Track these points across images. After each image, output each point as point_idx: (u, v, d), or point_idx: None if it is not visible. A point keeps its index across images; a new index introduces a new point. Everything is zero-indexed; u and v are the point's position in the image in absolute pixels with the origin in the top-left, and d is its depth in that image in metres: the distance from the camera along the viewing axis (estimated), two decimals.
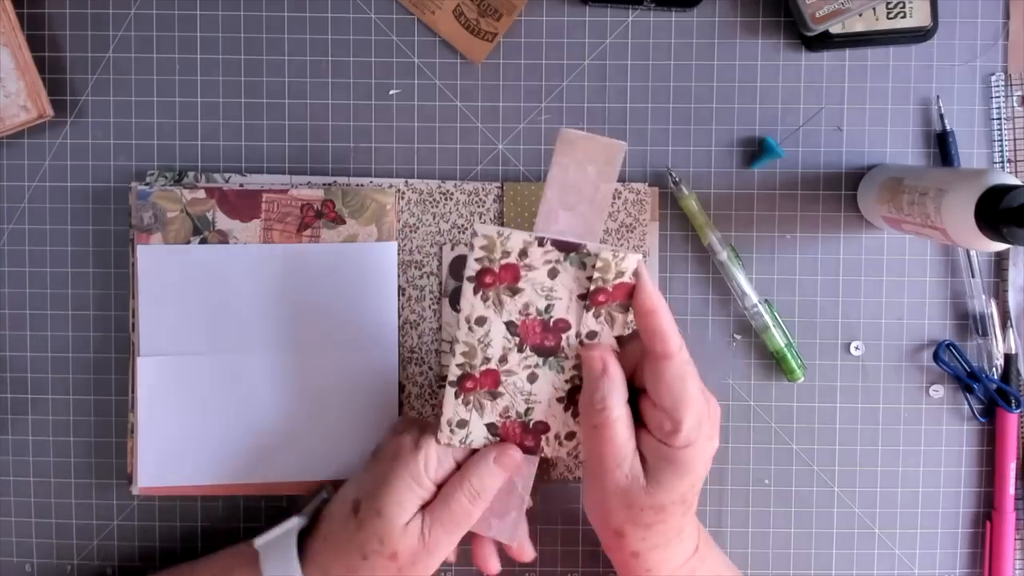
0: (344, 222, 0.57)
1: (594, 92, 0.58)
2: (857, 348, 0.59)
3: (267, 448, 0.57)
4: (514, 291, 0.46)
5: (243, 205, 0.57)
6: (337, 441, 0.57)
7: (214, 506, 0.59)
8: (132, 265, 0.57)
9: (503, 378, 0.47)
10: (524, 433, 0.48)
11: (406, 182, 0.58)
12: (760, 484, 0.59)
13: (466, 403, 0.47)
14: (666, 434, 0.44)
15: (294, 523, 0.51)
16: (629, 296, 0.45)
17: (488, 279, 0.46)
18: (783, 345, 0.58)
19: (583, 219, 0.45)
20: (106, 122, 0.58)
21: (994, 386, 0.58)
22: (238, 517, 0.59)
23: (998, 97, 0.58)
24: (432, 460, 0.48)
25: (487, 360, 0.47)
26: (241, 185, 0.58)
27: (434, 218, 0.58)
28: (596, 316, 0.46)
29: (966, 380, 0.58)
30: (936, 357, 0.58)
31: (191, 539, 0.59)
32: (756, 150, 0.58)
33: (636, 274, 0.45)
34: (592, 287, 0.45)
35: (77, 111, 0.58)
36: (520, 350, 0.47)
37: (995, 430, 0.58)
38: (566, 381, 0.47)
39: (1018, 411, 0.58)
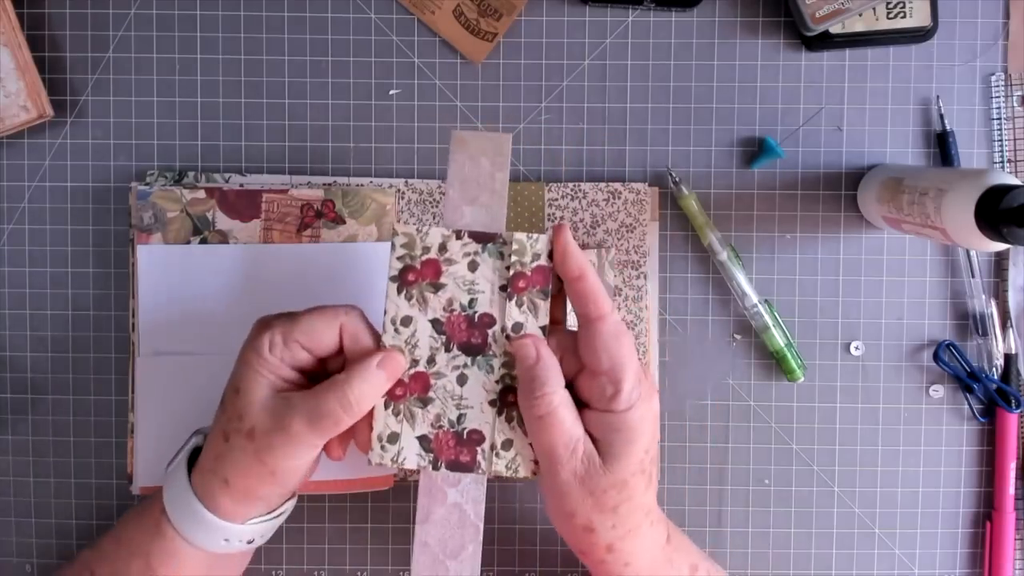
0: (344, 222, 0.57)
1: (594, 92, 0.58)
2: (857, 348, 0.59)
3: None
4: (437, 287, 0.46)
5: (243, 205, 0.57)
6: None
7: None
8: (132, 265, 0.57)
9: (433, 381, 0.46)
10: (459, 445, 0.46)
11: (406, 182, 0.58)
12: (760, 484, 0.59)
13: (396, 413, 0.46)
14: (608, 400, 0.44)
15: (192, 440, 0.50)
16: (548, 281, 0.46)
17: (411, 276, 0.46)
18: (783, 345, 0.58)
19: (486, 209, 0.47)
20: (106, 122, 0.58)
21: (994, 386, 0.58)
22: None
23: (998, 97, 0.58)
24: (277, 340, 0.46)
25: (415, 363, 0.46)
26: (241, 185, 0.58)
27: (434, 218, 0.58)
28: (519, 305, 0.46)
29: (966, 380, 0.58)
30: (936, 357, 0.58)
31: None
32: (756, 150, 0.58)
33: (552, 254, 0.46)
34: (511, 272, 0.46)
35: (77, 111, 0.58)
36: (448, 349, 0.46)
37: (995, 430, 0.58)
38: (496, 382, 0.46)
39: (1018, 411, 0.58)
